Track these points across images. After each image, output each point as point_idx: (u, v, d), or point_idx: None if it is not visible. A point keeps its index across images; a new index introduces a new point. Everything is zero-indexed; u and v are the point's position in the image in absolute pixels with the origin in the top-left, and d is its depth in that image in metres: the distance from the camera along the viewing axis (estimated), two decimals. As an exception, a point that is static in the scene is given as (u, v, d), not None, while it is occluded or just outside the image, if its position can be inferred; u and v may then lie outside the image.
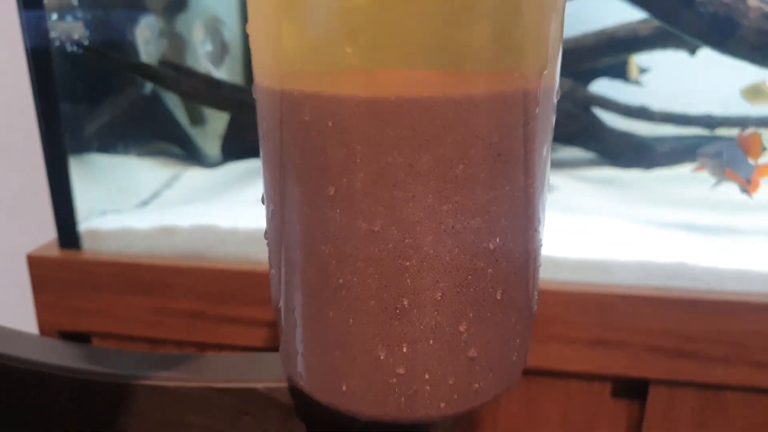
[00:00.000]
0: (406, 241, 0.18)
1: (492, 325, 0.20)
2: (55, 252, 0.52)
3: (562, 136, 0.80)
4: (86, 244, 0.53)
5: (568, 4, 0.19)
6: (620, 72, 0.85)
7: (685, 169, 0.68)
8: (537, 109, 0.18)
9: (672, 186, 0.74)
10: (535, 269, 0.22)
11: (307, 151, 0.18)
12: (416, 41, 0.16)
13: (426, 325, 0.19)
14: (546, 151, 0.20)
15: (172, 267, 0.48)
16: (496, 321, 0.20)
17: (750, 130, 0.56)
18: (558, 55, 0.19)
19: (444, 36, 0.16)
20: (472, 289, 0.19)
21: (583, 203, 0.65)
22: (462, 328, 0.19)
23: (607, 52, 0.79)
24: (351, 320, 0.19)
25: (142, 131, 0.72)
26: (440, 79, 0.17)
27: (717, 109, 0.83)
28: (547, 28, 0.18)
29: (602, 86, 0.84)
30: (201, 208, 0.55)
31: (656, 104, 0.83)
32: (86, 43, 0.54)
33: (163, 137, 0.75)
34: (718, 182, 0.59)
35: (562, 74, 0.20)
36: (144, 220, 0.51)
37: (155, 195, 0.63)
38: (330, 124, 0.17)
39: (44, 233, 0.56)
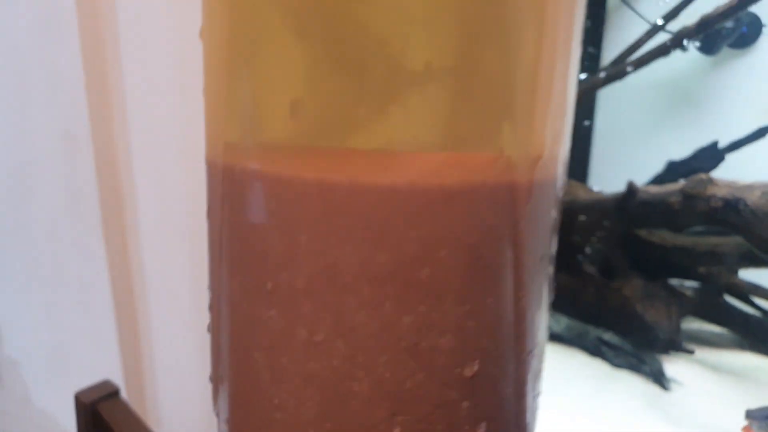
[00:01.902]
0: (357, 358, 0.14)
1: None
2: None
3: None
4: None
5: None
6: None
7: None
8: (528, 207, 0.15)
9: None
10: (533, 403, 0.18)
11: (246, 236, 0.15)
12: (372, 114, 0.13)
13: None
14: (544, 257, 0.16)
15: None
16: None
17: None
18: (563, 138, 0.16)
19: (407, 107, 0.13)
20: (440, 427, 0.15)
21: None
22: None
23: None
24: None
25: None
26: (403, 161, 0.14)
27: None
28: (544, 100, 0.15)
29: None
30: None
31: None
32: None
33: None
34: None
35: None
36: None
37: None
38: (272, 207, 0.14)
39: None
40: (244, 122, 0.15)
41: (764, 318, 0.95)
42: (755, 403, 0.74)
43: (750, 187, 0.78)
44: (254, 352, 0.16)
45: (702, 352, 0.94)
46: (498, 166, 0.14)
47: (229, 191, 0.15)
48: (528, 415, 0.17)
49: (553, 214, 0.16)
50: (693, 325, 0.99)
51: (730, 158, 1.00)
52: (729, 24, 0.98)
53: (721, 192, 0.79)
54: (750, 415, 0.63)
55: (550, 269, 0.17)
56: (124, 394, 0.51)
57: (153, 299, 0.71)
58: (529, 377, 0.17)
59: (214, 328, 0.18)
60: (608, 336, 0.90)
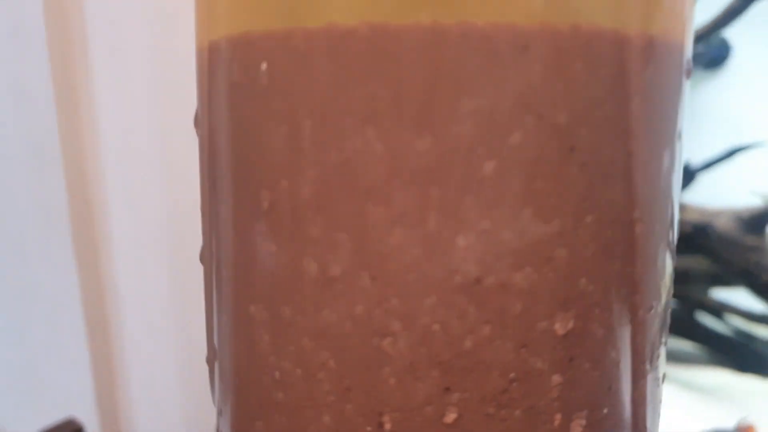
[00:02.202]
0: (389, 303, 0.10)
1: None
2: None
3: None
4: None
5: None
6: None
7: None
8: (645, 76, 0.10)
9: None
10: (654, 390, 0.12)
11: (233, 134, 0.11)
12: None
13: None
14: (669, 164, 0.11)
15: None
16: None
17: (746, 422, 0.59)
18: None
19: None
20: (517, 413, 0.10)
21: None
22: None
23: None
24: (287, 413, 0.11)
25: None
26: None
27: None
28: None
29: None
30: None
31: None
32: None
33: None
34: None
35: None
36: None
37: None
38: (264, 77, 0.10)
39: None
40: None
41: (735, 335, 0.92)
42: (724, 418, 0.71)
43: (718, 214, 0.80)
44: (249, 306, 0.11)
45: (674, 369, 0.89)
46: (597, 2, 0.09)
47: (214, 77, 0.11)
48: (649, 409, 0.12)
49: (681, 99, 0.11)
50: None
51: (702, 177, 0.98)
52: (699, 48, 0.96)
53: (691, 217, 0.81)
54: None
55: (678, 188, 0.12)
56: (95, 417, 0.49)
57: (127, 316, 0.68)
58: (648, 346, 0.11)
59: (207, 285, 0.13)
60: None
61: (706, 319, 0.95)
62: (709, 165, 0.95)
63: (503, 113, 0.09)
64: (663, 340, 0.12)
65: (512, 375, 0.10)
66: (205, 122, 0.12)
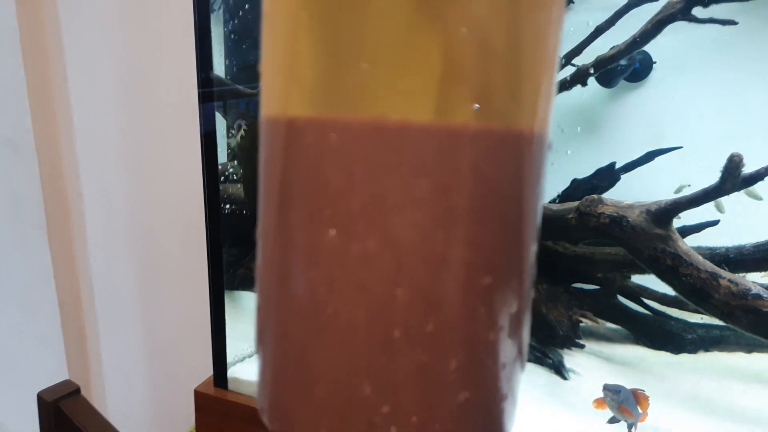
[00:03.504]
0: (401, 268, 0.18)
1: (484, 368, 0.19)
2: (211, 390, 0.83)
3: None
4: (231, 385, 0.83)
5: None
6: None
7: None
8: (530, 154, 0.19)
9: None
10: (527, 325, 0.22)
11: (308, 174, 0.18)
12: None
13: (415, 359, 0.18)
14: (537, 202, 0.20)
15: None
16: (489, 364, 0.19)
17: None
18: (551, 105, 0.20)
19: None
20: (464, 328, 0.19)
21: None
22: (452, 366, 0.19)
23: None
24: (338, 353, 0.19)
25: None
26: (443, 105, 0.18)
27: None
28: (540, 68, 0.19)
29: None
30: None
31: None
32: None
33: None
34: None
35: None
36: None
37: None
38: (332, 147, 0.18)
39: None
40: (315, 77, 0.18)
41: (651, 316, 1.09)
42: (640, 387, 0.87)
43: (631, 207, 0.94)
44: (310, 271, 0.19)
45: (598, 346, 1.06)
46: (511, 114, 0.18)
47: (292, 139, 0.19)
48: (525, 332, 0.21)
49: (543, 170, 0.21)
50: (592, 323, 1.12)
51: (625, 177, 1.13)
52: (624, 61, 1.11)
53: (608, 210, 0.94)
54: (606, 387, 0.75)
55: (539, 218, 0.21)
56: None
57: (99, 301, 0.70)
58: (527, 300, 0.21)
59: (265, 265, 0.21)
60: (516, 333, 1.01)
61: (626, 302, 1.10)
62: (632, 166, 1.09)
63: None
64: (530, 302, 0.22)
65: (461, 308, 0.19)
66: (279, 166, 0.19)
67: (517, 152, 0.19)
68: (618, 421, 0.78)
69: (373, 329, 0.18)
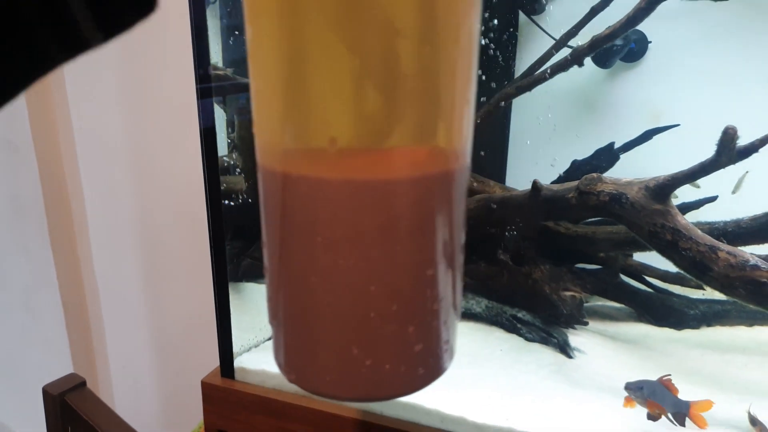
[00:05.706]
0: (371, 273, 0.28)
1: (431, 328, 0.29)
2: (218, 380, 0.85)
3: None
4: (238, 375, 0.85)
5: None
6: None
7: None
8: (455, 186, 0.28)
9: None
10: (460, 289, 0.31)
11: (303, 213, 0.28)
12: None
13: (386, 329, 0.28)
14: (461, 221, 0.30)
15: (290, 403, 0.79)
16: (434, 325, 0.29)
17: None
18: (470, 138, 0.29)
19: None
20: (416, 303, 0.28)
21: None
22: (410, 330, 0.28)
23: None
24: (332, 328, 0.28)
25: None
26: (387, 164, 0.27)
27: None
28: (461, 108, 0.27)
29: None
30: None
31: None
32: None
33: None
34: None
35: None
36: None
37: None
38: (320, 198, 0.27)
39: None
40: (297, 136, 0.28)
41: (654, 293, 1.12)
42: (645, 365, 0.88)
43: (630, 184, 0.92)
44: (311, 278, 0.28)
45: (602, 325, 1.10)
46: (438, 158, 0.28)
47: (288, 187, 0.28)
48: (458, 297, 0.31)
49: (465, 192, 0.30)
50: (596, 302, 1.17)
51: (624, 157, 1.16)
52: (619, 41, 1.15)
53: (607, 188, 0.95)
54: (627, 386, 0.72)
55: (464, 234, 0.30)
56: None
57: (104, 299, 0.75)
58: (459, 276, 0.30)
59: (273, 275, 0.30)
60: (521, 314, 1.05)
61: (629, 281, 1.09)
62: (630, 146, 1.10)
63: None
64: (461, 288, 0.31)
65: (413, 291, 0.28)
66: (279, 203, 0.29)
67: (446, 185, 0.28)
68: (656, 418, 0.70)
69: (356, 311, 0.28)
